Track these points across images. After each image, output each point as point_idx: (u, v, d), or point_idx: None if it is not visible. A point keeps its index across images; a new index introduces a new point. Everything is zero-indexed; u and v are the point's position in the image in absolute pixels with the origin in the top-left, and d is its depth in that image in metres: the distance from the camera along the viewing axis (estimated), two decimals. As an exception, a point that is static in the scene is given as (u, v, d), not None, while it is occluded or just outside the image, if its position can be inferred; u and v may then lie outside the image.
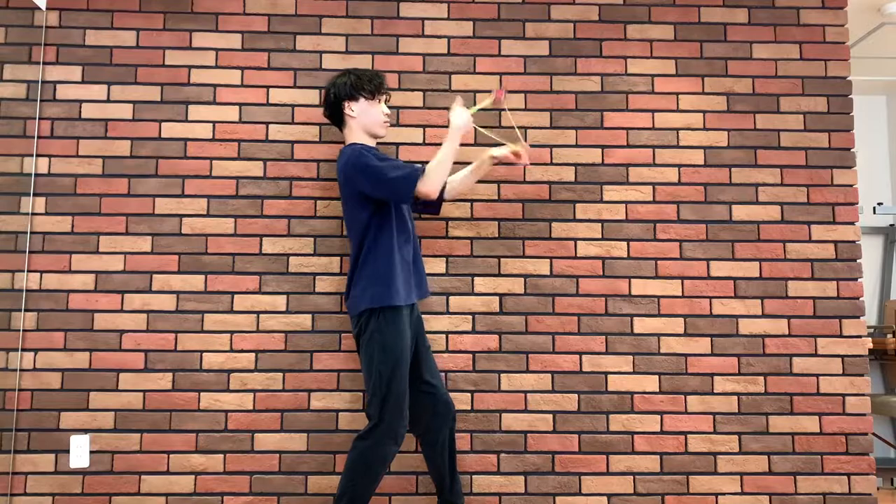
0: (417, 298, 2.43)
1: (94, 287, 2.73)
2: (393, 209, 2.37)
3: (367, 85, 2.42)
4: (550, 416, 2.73)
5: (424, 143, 2.83)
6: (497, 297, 2.77)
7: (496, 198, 2.81)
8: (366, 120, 2.46)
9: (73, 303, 2.72)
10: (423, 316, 2.72)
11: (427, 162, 2.38)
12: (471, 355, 2.74)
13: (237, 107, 2.83)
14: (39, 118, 2.79)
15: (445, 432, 2.44)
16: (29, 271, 2.73)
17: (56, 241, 2.75)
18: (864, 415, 2.75)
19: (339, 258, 2.77)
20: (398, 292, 2.29)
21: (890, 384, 4.25)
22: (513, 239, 2.80)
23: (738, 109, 2.90)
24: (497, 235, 2.80)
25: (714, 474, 2.72)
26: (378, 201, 2.33)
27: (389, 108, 2.83)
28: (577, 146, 2.86)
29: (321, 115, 2.83)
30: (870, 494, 2.71)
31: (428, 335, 2.70)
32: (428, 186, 2.28)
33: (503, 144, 2.60)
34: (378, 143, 2.81)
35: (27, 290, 2.72)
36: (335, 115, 2.50)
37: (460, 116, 2.39)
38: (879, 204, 4.28)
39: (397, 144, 2.83)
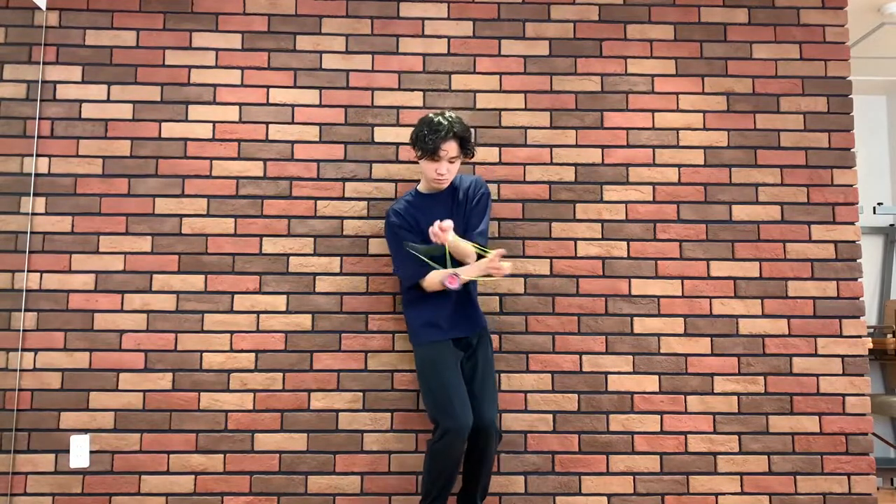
0: (446, 338, 2.48)
1: (94, 287, 2.73)
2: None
3: (420, 146, 2.44)
4: (550, 416, 2.73)
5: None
6: (497, 297, 2.77)
7: (496, 198, 2.81)
8: (422, 168, 2.51)
9: (73, 303, 2.72)
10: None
11: None
12: (471, 355, 2.73)
13: (237, 107, 2.83)
14: (39, 118, 2.79)
15: (474, 444, 2.43)
16: (29, 271, 2.73)
17: (56, 241, 2.75)
18: (864, 415, 2.75)
19: (338, 258, 2.77)
20: (428, 331, 2.50)
21: (890, 384, 4.25)
22: (513, 239, 2.80)
23: (738, 109, 2.90)
24: (497, 235, 2.80)
25: (714, 474, 2.72)
26: None
27: (388, 108, 2.85)
28: (577, 146, 2.86)
29: (321, 115, 2.84)
30: (870, 494, 2.71)
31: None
32: (408, 283, 2.53)
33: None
34: (377, 142, 2.83)
35: (27, 290, 2.72)
36: None
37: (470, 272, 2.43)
38: (879, 204, 4.28)
39: (397, 144, 2.83)
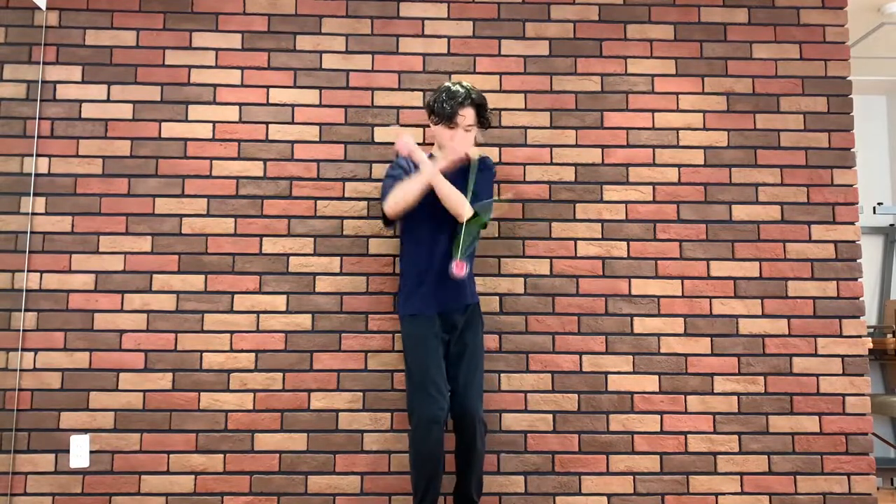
0: (435, 311, 2.43)
1: (94, 287, 2.73)
2: (410, 219, 2.49)
3: (438, 111, 2.45)
4: (550, 416, 2.73)
5: (424, 143, 2.82)
6: (497, 297, 2.77)
7: (496, 198, 2.81)
8: (437, 136, 2.52)
9: (73, 303, 2.72)
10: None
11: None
12: (471, 355, 2.73)
13: (237, 107, 2.83)
14: (39, 118, 2.79)
15: (459, 436, 2.43)
16: (29, 271, 2.73)
17: (56, 241, 2.75)
18: (864, 415, 2.75)
19: (338, 258, 2.77)
20: (412, 302, 2.47)
21: (890, 384, 4.25)
22: (513, 239, 2.80)
23: (738, 109, 2.90)
24: (497, 235, 2.80)
25: (714, 474, 2.72)
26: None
27: (388, 108, 2.85)
28: (577, 146, 2.86)
29: (321, 115, 2.84)
30: (870, 494, 2.71)
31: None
32: (385, 208, 2.47)
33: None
34: (377, 142, 2.83)
35: (27, 290, 2.72)
36: None
37: (429, 169, 2.42)
38: (879, 204, 4.28)
39: (397, 144, 2.83)
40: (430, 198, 2.44)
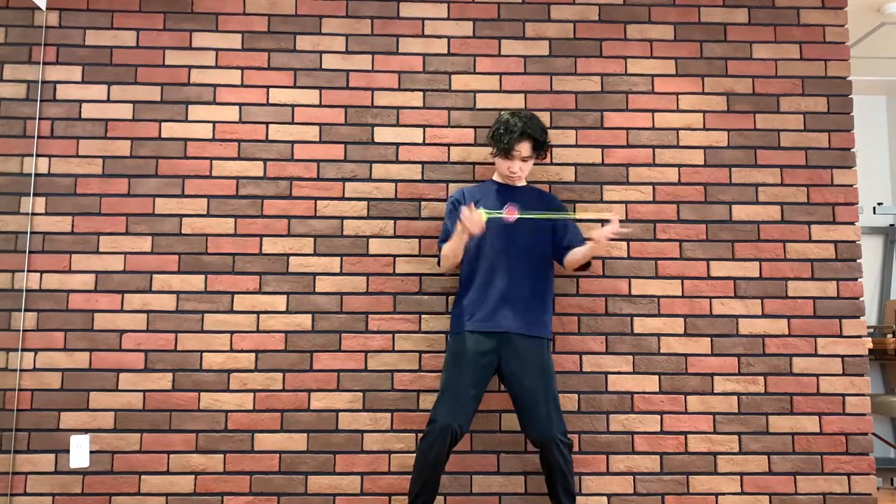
0: (474, 329, 2.45)
1: (94, 287, 2.73)
2: (472, 240, 2.50)
3: (496, 144, 2.51)
4: (550, 416, 2.72)
5: (424, 143, 2.83)
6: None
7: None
8: (496, 164, 2.60)
9: (73, 303, 2.72)
10: (424, 316, 2.73)
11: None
12: (471, 355, 2.73)
13: (237, 107, 2.83)
14: (39, 118, 2.79)
15: (544, 458, 2.44)
16: (29, 271, 2.73)
17: (56, 241, 2.75)
18: (864, 415, 2.75)
19: (338, 258, 2.77)
20: (459, 320, 2.50)
21: (890, 384, 4.25)
22: (513, 239, 2.79)
23: (738, 109, 2.90)
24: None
25: (714, 474, 2.72)
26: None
27: (388, 108, 2.85)
28: (577, 146, 2.86)
29: (321, 115, 2.84)
30: (870, 494, 2.71)
31: (427, 335, 2.71)
32: (439, 262, 2.60)
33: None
34: (377, 142, 2.83)
35: (27, 290, 2.72)
36: None
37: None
38: (879, 204, 4.28)
39: (397, 144, 2.83)
40: (495, 221, 2.47)
